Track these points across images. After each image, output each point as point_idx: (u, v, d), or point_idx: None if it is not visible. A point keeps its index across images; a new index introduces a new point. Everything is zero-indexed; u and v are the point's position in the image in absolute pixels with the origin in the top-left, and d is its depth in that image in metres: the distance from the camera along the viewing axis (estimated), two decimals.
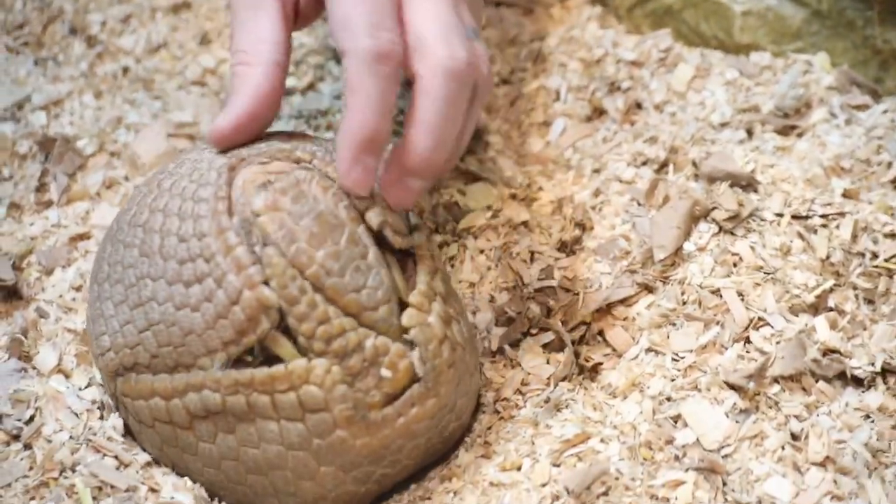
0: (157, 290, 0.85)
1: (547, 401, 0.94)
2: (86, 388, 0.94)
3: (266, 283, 0.83)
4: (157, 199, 0.88)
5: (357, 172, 0.86)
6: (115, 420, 0.92)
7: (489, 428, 0.94)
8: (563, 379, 0.95)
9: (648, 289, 0.98)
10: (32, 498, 0.87)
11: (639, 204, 1.02)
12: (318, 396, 0.83)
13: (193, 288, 0.84)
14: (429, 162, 0.87)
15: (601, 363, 0.96)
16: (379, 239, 0.87)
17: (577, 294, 0.98)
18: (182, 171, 0.88)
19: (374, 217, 0.87)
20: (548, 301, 0.99)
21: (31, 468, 0.89)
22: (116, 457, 0.90)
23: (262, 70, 0.90)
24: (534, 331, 0.99)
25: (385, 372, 0.84)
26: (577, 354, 0.97)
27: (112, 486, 0.88)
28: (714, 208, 0.98)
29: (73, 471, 0.89)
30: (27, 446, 0.90)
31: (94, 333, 0.90)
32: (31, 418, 0.92)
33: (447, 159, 0.90)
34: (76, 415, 0.92)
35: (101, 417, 0.93)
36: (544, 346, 0.98)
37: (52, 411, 0.92)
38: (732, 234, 0.98)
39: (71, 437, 0.91)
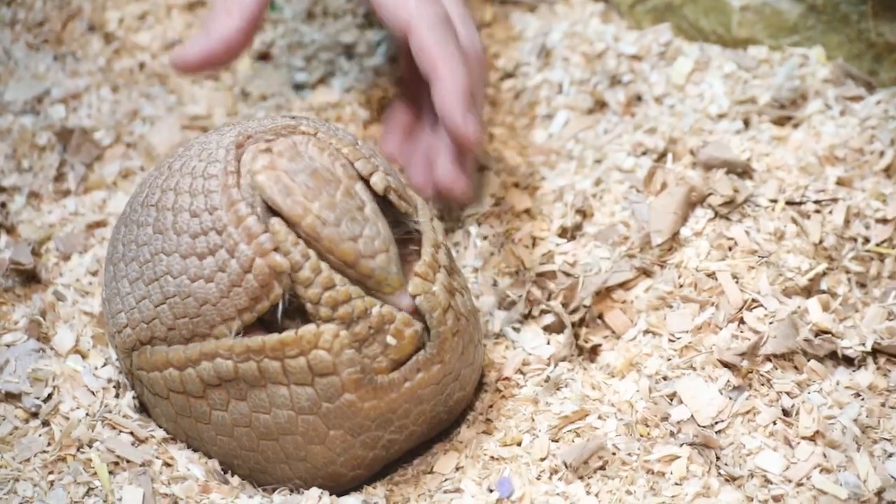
0: (171, 263, 0.88)
1: (547, 380, 0.96)
2: (102, 367, 0.97)
3: (276, 249, 0.86)
4: (167, 179, 0.90)
5: (471, 125, 0.92)
6: (130, 398, 0.95)
7: (491, 406, 0.97)
8: (563, 359, 0.98)
9: (646, 273, 1.00)
10: (51, 472, 0.90)
11: (638, 191, 1.05)
12: (326, 360, 0.86)
13: (207, 259, 0.87)
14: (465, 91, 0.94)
15: (600, 344, 0.99)
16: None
17: (577, 278, 1.01)
18: (191, 152, 0.91)
19: (378, 180, 0.90)
20: (548, 284, 1.02)
21: (49, 444, 0.91)
22: (132, 433, 0.93)
23: (240, 24, 0.97)
24: (535, 313, 1.02)
25: (391, 339, 0.87)
26: (576, 336, 0.99)
27: (128, 461, 0.91)
28: (710, 194, 1.01)
29: (90, 446, 0.91)
30: (45, 423, 0.93)
31: (110, 313, 0.93)
32: (49, 396, 0.94)
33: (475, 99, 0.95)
34: (92, 393, 0.95)
35: (117, 395, 0.95)
36: (545, 327, 1.01)
37: (69, 389, 0.94)
38: (728, 219, 1.00)
39: (87, 415, 0.93)
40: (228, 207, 0.87)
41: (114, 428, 0.93)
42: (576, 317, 1.00)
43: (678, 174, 1.04)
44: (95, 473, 0.90)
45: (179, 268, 0.88)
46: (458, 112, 0.92)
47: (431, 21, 0.93)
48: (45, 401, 0.94)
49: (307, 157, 0.88)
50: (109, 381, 0.96)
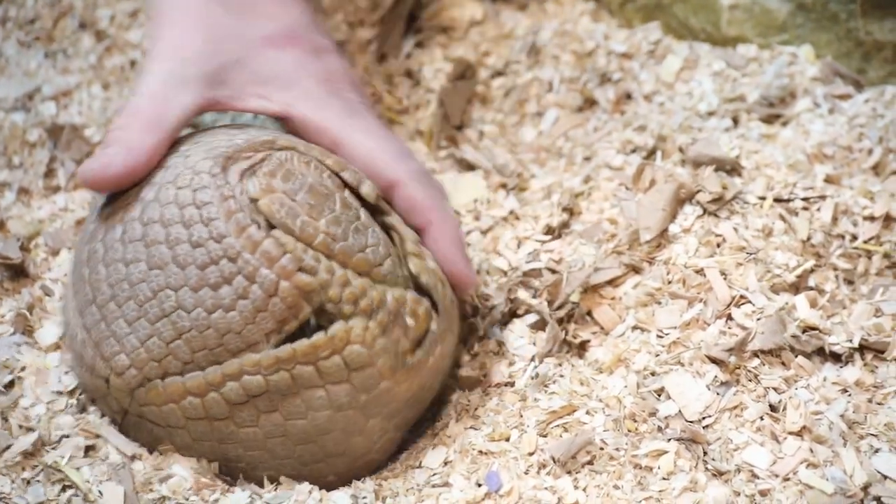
0: (181, 298, 0.86)
1: (535, 376, 0.97)
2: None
3: (300, 269, 0.86)
4: (144, 212, 0.88)
5: (471, 269, 0.97)
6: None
7: (478, 404, 0.97)
8: (548, 355, 0.98)
9: (635, 269, 1.00)
10: (24, 468, 0.89)
11: (627, 188, 1.05)
12: (362, 354, 0.87)
13: (224, 289, 0.86)
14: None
15: (588, 341, 0.99)
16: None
17: (562, 274, 1.01)
18: (163, 180, 0.89)
19: (369, 189, 0.92)
20: (534, 283, 1.02)
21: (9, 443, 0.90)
22: (97, 435, 0.92)
23: (160, 146, 0.92)
24: (520, 312, 1.02)
25: (409, 320, 0.89)
26: (564, 332, 0.99)
27: (107, 460, 0.91)
28: (699, 191, 1.01)
29: (54, 444, 0.91)
30: (4, 418, 0.92)
31: (100, 356, 0.90)
32: (11, 384, 0.94)
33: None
34: (57, 393, 0.94)
35: (83, 410, 0.94)
36: (531, 326, 1.01)
37: (31, 384, 0.94)
38: (716, 216, 1.01)
39: (48, 411, 0.93)
40: (238, 233, 0.86)
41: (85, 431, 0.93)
42: (562, 312, 1.00)
43: (667, 171, 1.04)
44: (64, 476, 0.89)
45: (193, 301, 0.86)
46: (459, 260, 0.96)
47: (417, 175, 0.96)
48: (5, 387, 0.93)
49: (299, 175, 0.89)
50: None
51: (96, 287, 0.90)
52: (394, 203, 0.95)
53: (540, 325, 1.00)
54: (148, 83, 0.94)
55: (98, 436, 0.92)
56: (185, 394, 0.88)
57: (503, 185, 1.11)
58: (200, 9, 0.97)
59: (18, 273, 1.03)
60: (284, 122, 0.97)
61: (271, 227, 0.87)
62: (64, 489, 0.88)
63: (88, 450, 0.91)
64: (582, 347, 0.99)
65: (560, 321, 0.99)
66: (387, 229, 0.93)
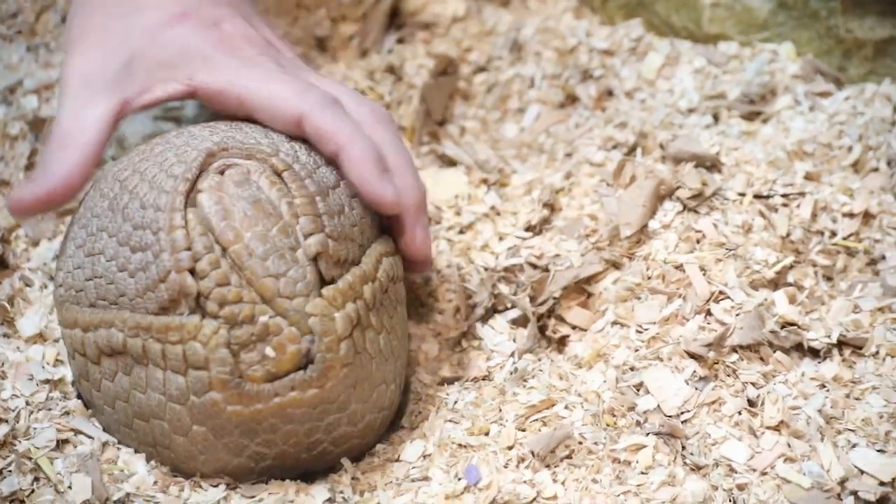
0: (108, 246, 0.88)
1: (514, 371, 0.97)
2: (55, 362, 0.97)
3: (191, 271, 0.85)
4: (142, 161, 0.90)
5: (387, 185, 0.91)
6: (74, 402, 0.95)
7: (457, 399, 0.97)
8: (528, 351, 0.99)
9: (615, 265, 1.01)
10: None
11: (607, 184, 1.05)
12: (199, 354, 0.85)
13: (136, 255, 0.87)
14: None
15: (568, 336, 0.99)
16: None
17: (547, 271, 1.01)
18: (176, 141, 0.91)
19: (312, 243, 0.88)
20: (515, 278, 1.02)
21: None
22: (73, 430, 0.92)
23: (79, 158, 0.93)
24: (501, 308, 1.02)
25: (270, 351, 0.86)
26: (544, 328, 1.00)
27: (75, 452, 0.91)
28: (679, 187, 1.02)
29: (28, 436, 0.91)
30: None
31: (56, 265, 0.94)
32: None
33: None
34: (35, 384, 0.94)
35: (65, 397, 0.95)
36: (512, 321, 1.01)
37: (12, 377, 0.94)
38: (696, 212, 1.01)
39: (28, 404, 0.93)
40: (170, 212, 0.86)
41: (54, 422, 0.93)
42: (543, 308, 1.00)
43: (647, 168, 1.04)
44: (38, 465, 0.89)
45: (112, 252, 0.88)
46: (374, 180, 0.91)
47: (321, 104, 0.92)
48: None
49: (255, 187, 0.88)
50: (60, 380, 0.96)
51: (81, 204, 0.93)
52: (308, 139, 0.93)
53: (521, 322, 1.01)
54: (60, 111, 0.96)
55: (73, 429, 0.92)
56: (76, 324, 0.90)
57: (484, 181, 1.11)
58: (97, 26, 0.98)
59: None
60: (195, 98, 0.97)
61: (204, 222, 0.87)
62: (37, 479, 0.88)
63: (62, 443, 0.91)
64: (561, 343, 0.99)
65: (540, 317, 1.00)
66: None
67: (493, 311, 1.03)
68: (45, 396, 0.94)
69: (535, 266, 1.02)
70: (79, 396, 0.95)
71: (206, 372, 0.85)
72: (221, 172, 0.88)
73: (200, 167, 0.88)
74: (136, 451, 0.91)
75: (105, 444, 0.91)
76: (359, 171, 0.91)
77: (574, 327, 0.99)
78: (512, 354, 0.98)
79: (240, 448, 0.88)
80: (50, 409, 0.93)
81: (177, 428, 0.88)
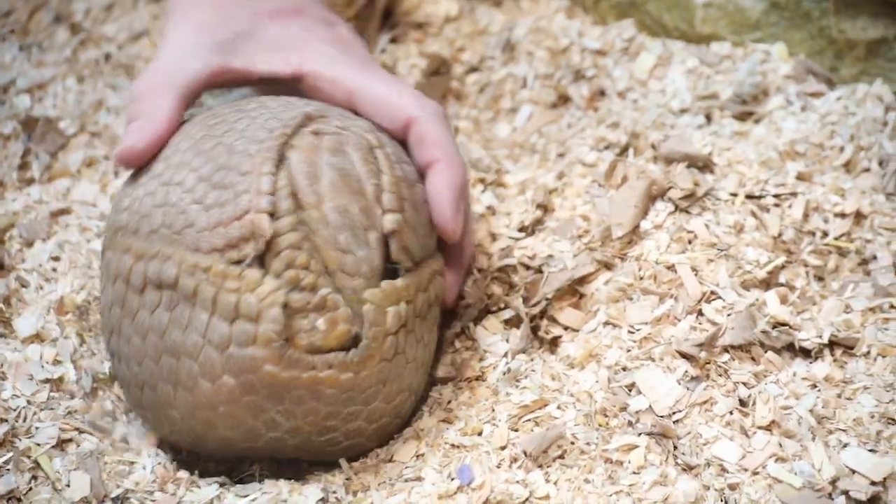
0: (187, 178, 0.89)
1: (507, 371, 0.97)
2: (54, 362, 0.97)
3: (271, 213, 0.86)
4: (233, 113, 0.92)
5: (459, 217, 0.94)
6: (77, 402, 0.95)
7: (450, 398, 0.97)
8: (521, 351, 0.99)
9: (607, 265, 1.01)
10: None
11: (599, 185, 1.06)
12: (253, 308, 0.85)
13: (216, 192, 0.87)
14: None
15: (560, 336, 1.00)
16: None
17: (540, 272, 1.02)
18: (271, 104, 0.93)
19: (388, 221, 0.90)
20: (509, 278, 1.02)
21: None
22: (76, 429, 0.93)
23: (176, 104, 0.95)
24: (494, 308, 1.02)
25: (321, 323, 0.86)
26: (537, 328, 1.00)
27: (76, 448, 0.91)
28: (671, 188, 1.02)
29: (30, 435, 0.91)
30: None
31: (118, 194, 0.95)
32: None
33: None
34: (35, 383, 0.95)
35: (72, 397, 0.95)
36: (505, 321, 1.01)
37: (12, 378, 0.94)
38: (688, 212, 1.01)
39: (29, 403, 0.93)
40: (262, 159, 0.87)
41: (56, 421, 0.93)
42: (536, 309, 1.00)
43: (639, 168, 1.05)
44: (37, 464, 0.89)
45: (191, 185, 0.88)
46: (448, 203, 0.94)
47: (433, 115, 0.96)
48: None
49: (348, 160, 0.89)
50: (60, 378, 0.96)
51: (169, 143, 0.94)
52: (408, 141, 0.96)
53: (514, 322, 1.01)
54: (161, 54, 0.98)
55: (77, 428, 0.92)
56: (128, 250, 0.90)
57: (482, 181, 1.11)
58: None
59: None
60: (297, 83, 0.98)
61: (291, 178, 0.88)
62: (35, 478, 0.88)
63: (65, 442, 0.91)
64: (553, 343, 1.00)
65: (533, 318, 1.00)
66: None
67: (486, 311, 1.03)
68: (46, 396, 0.94)
69: (528, 267, 1.02)
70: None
71: (255, 326, 0.85)
72: (317, 135, 0.89)
73: (298, 126, 0.89)
74: (151, 389, 0.90)
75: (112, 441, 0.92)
76: (442, 189, 0.94)
77: (566, 328, 0.99)
78: (505, 355, 0.99)
79: (259, 410, 0.88)
80: (53, 409, 0.93)
81: (206, 373, 0.87)
